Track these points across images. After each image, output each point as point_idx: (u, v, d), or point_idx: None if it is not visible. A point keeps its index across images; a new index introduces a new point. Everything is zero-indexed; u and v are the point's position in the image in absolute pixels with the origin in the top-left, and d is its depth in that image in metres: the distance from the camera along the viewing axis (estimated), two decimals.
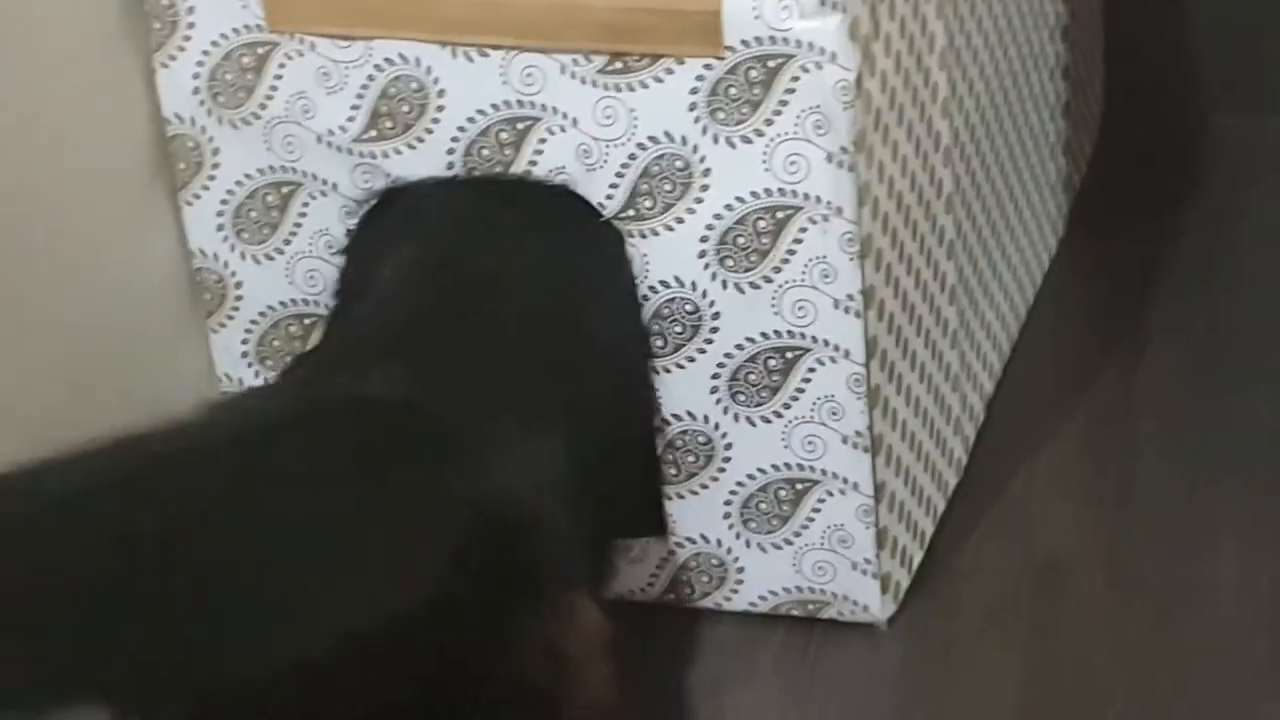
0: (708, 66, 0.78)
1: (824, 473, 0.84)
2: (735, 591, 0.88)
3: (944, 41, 0.88)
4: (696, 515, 0.87)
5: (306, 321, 0.89)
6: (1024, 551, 0.92)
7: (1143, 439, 0.99)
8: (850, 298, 0.80)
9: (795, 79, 0.77)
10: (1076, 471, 0.97)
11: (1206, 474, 0.95)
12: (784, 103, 0.78)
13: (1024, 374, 1.02)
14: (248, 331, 0.90)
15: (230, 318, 0.90)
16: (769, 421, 0.84)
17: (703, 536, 0.87)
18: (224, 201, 0.88)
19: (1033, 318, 1.07)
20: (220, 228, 0.88)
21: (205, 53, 0.85)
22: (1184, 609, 0.87)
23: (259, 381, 0.91)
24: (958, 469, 0.95)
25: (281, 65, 0.84)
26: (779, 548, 0.86)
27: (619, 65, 0.79)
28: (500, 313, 0.80)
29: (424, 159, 0.83)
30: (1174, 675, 0.83)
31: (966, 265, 0.93)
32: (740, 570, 0.87)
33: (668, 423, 0.85)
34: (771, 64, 0.77)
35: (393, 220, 0.85)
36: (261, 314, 0.90)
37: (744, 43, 0.77)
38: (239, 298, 0.90)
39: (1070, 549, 0.92)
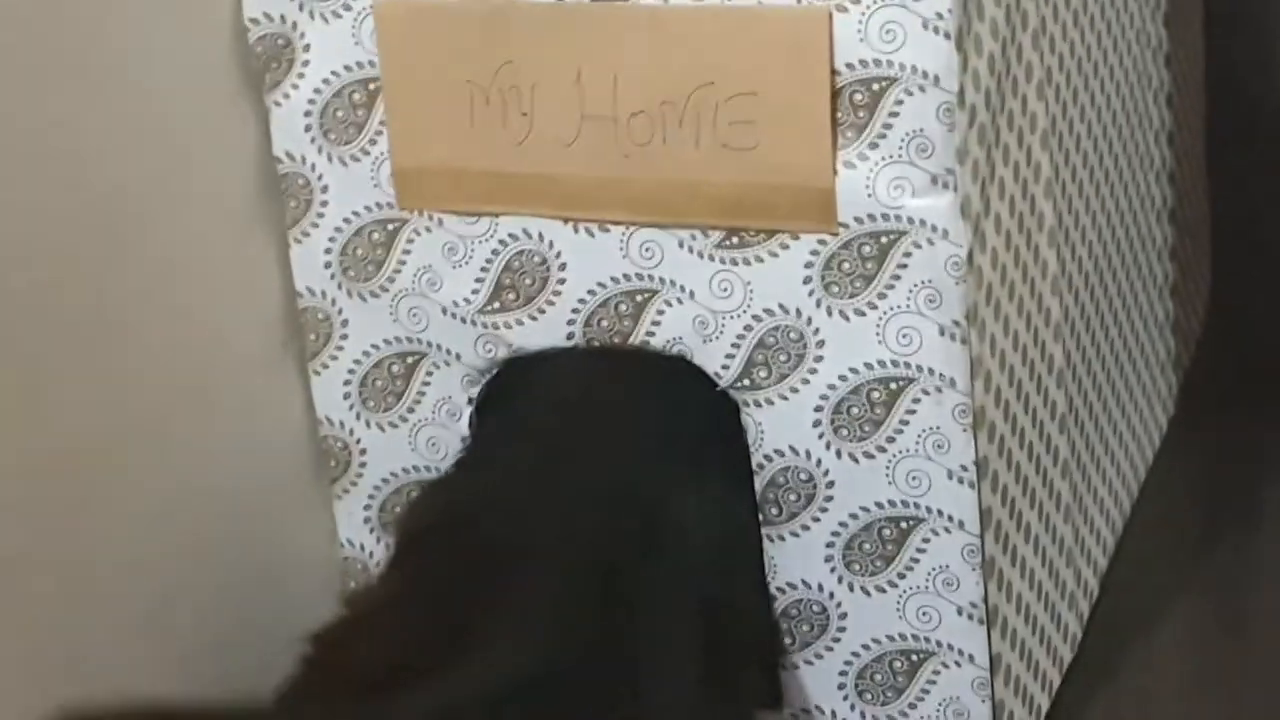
0: (822, 242, 0.80)
1: (939, 644, 0.85)
2: None
3: (1052, 221, 0.89)
4: (812, 685, 0.87)
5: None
6: None
7: (1255, 617, 0.98)
8: (964, 468, 0.81)
9: (908, 255, 0.79)
10: (1191, 649, 0.97)
11: None
12: (896, 277, 0.80)
13: (1137, 550, 1.03)
14: (370, 498, 0.92)
15: (354, 484, 0.92)
16: (883, 591, 0.84)
17: (818, 708, 0.88)
18: (351, 371, 0.90)
19: (1145, 494, 1.07)
20: (347, 396, 0.91)
21: (338, 229, 0.88)
22: None
23: (380, 547, 0.93)
24: (1073, 644, 0.95)
25: (410, 241, 0.87)
26: (893, 719, 0.87)
27: (735, 240, 0.81)
28: (620, 483, 0.82)
29: (545, 330, 0.86)
30: None
31: (1079, 439, 0.94)
32: None
33: (782, 591, 0.86)
34: (884, 240, 0.79)
35: (514, 390, 0.87)
36: (384, 480, 0.92)
37: (857, 219, 0.79)
38: (363, 464, 0.92)
39: None
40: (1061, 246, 0.91)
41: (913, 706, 0.86)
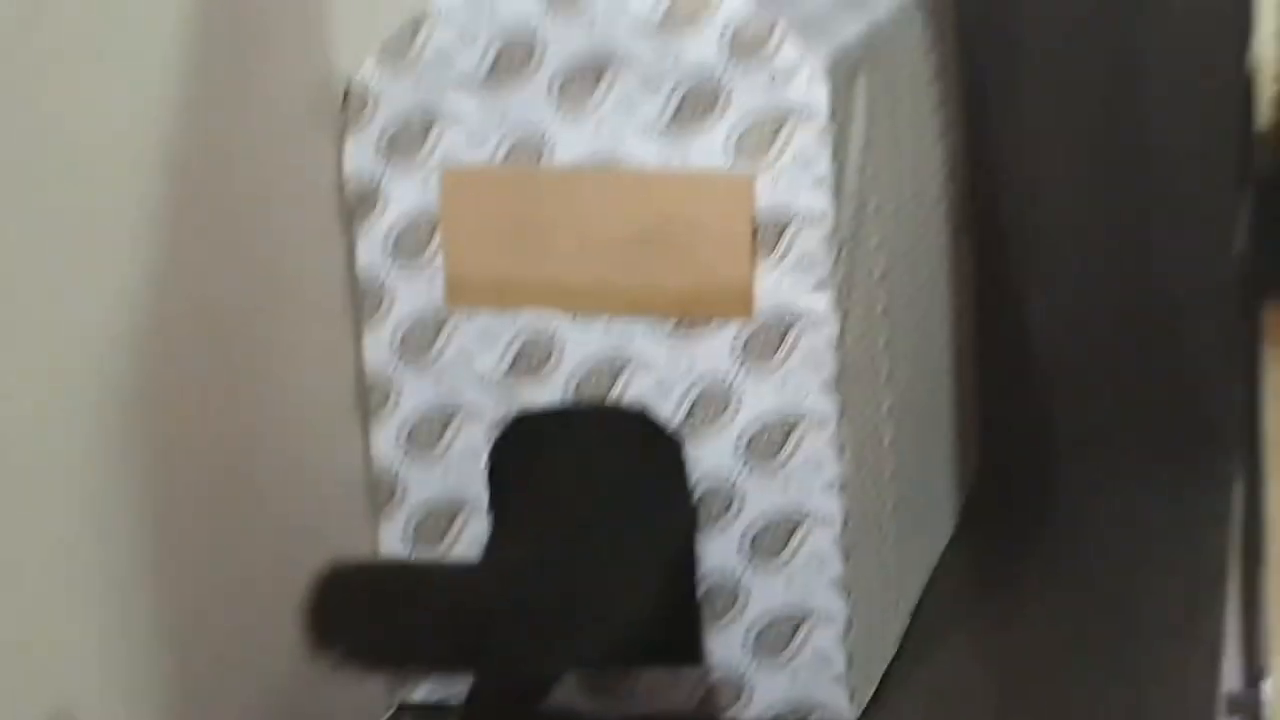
0: (743, 326, 1.20)
1: (813, 610, 1.23)
2: (749, 703, 1.26)
3: (886, 335, 1.31)
4: (724, 644, 1.25)
5: (454, 511, 1.28)
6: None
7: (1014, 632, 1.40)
8: (833, 482, 1.21)
9: (799, 335, 1.19)
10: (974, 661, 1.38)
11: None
12: (792, 349, 1.20)
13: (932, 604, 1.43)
14: (409, 519, 1.29)
15: (397, 509, 1.29)
16: (777, 572, 1.23)
17: (727, 661, 1.26)
18: (403, 424, 1.28)
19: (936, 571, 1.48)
20: (399, 443, 1.28)
21: (400, 321, 1.26)
22: None
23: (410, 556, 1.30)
24: (897, 639, 1.34)
25: (453, 329, 1.25)
26: (780, 666, 1.25)
27: (684, 326, 1.21)
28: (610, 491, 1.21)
29: (547, 391, 1.25)
30: None
31: (901, 480, 1.35)
32: (753, 686, 1.25)
33: (707, 576, 1.24)
34: (784, 325, 1.20)
35: (525, 437, 1.26)
36: (421, 503, 1.29)
37: (769, 309, 1.20)
38: (405, 493, 1.29)
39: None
40: (890, 331, 1.32)
41: (793, 657, 1.24)
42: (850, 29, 1.26)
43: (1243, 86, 1.63)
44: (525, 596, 1.13)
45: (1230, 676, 1.38)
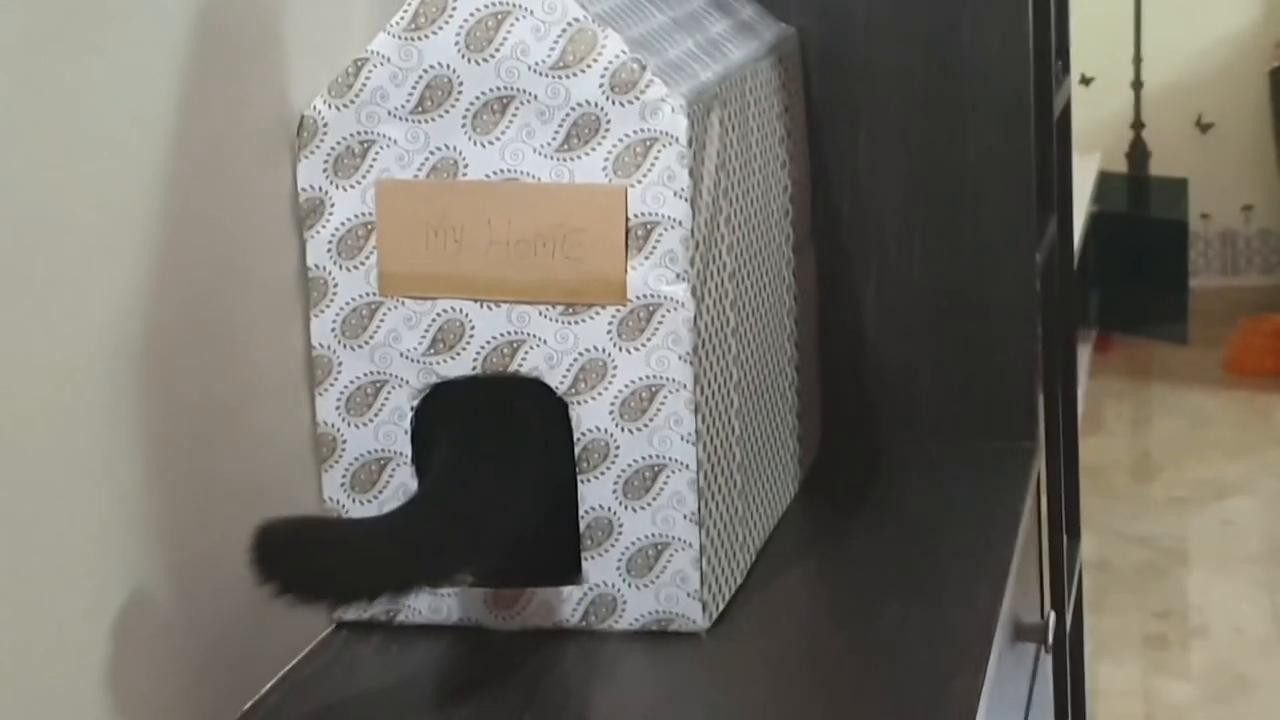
0: (618, 310, 1.50)
1: (673, 538, 1.53)
2: (622, 615, 1.55)
3: (734, 321, 1.62)
4: (600, 569, 1.55)
5: (384, 462, 1.57)
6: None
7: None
8: (689, 435, 1.51)
9: (663, 316, 1.50)
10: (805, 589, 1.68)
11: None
12: (657, 329, 1.50)
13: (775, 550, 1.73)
14: (346, 470, 1.58)
15: (336, 462, 1.58)
16: (645, 508, 1.53)
17: (603, 582, 1.55)
18: (342, 392, 1.57)
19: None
20: (338, 408, 1.57)
21: (341, 307, 1.55)
22: None
23: (352, 503, 1.58)
24: (744, 570, 1.64)
25: (384, 314, 1.55)
26: (648, 585, 1.54)
27: (570, 310, 1.51)
28: (508, 443, 1.51)
29: (461, 365, 1.54)
30: None
31: (747, 438, 1.65)
32: (625, 601, 1.55)
33: (587, 513, 1.54)
34: (651, 308, 1.50)
35: (441, 402, 1.55)
36: (357, 457, 1.58)
37: (638, 297, 1.50)
38: (344, 449, 1.58)
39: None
40: (737, 319, 1.63)
41: (658, 576, 1.54)
42: (707, 74, 1.57)
43: (1042, 122, 1.96)
44: (429, 533, 1.45)
45: (1016, 603, 1.69)
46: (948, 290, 1.95)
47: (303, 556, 1.42)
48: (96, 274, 1.33)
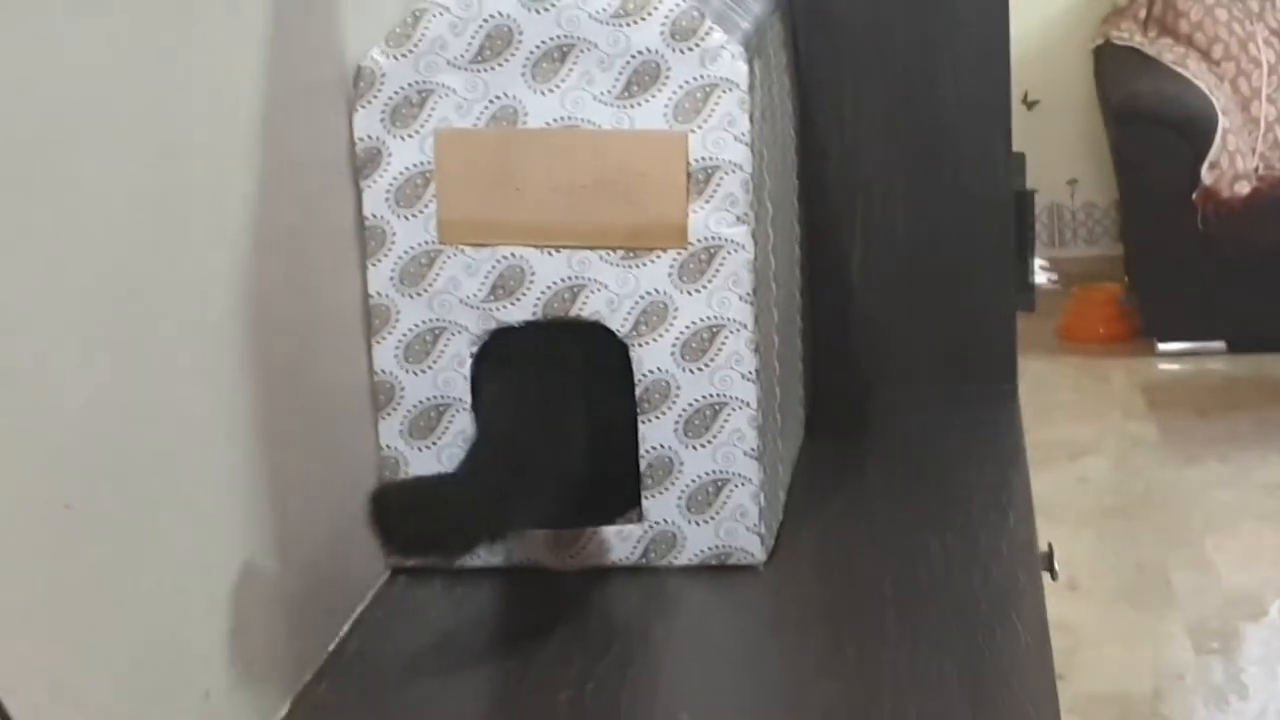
0: (679, 253, 1.54)
1: (734, 474, 1.57)
2: (681, 552, 1.59)
3: (775, 265, 1.66)
4: (661, 506, 1.58)
5: (442, 409, 1.59)
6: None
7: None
8: (750, 373, 1.56)
9: (724, 259, 1.54)
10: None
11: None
12: (717, 271, 1.54)
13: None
14: (404, 418, 1.60)
15: (394, 409, 1.60)
16: (705, 446, 1.57)
17: (664, 519, 1.59)
18: (400, 340, 1.59)
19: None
20: (396, 356, 1.59)
21: (400, 256, 1.57)
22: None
23: (414, 450, 1.60)
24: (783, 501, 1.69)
25: (444, 262, 1.57)
26: (708, 520, 1.58)
27: (630, 254, 1.55)
28: (570, 387, 1.54)
29: (521, 311, 1.57)
30: None
31: (783, 394, 1.70)
32: (685, 538, 1.59)
33: (648, 451, 1.58)
34: (712, 251, 1.54)
35: (501, 348, 1.58)
36: (415, 404, 1.60)
37: (698, 240, 1.54)
38: (402, 396, 1.60)
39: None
40: (776, 261, 1.67)
41: (718, 512, 1.58)
42: (745, 24, 1.61)
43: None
44: (505, 483, 1.48)
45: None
46: (929, 239, 2.01)
47: (413, 519, 1.45)
48: (187, 238, 1.34)
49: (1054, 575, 1.88)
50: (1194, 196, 5.06)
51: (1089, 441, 4.73)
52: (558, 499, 1.53)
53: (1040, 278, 2.44)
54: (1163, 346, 5.24)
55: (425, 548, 1.47)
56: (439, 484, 1.54)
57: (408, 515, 1.44)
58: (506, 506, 1.48)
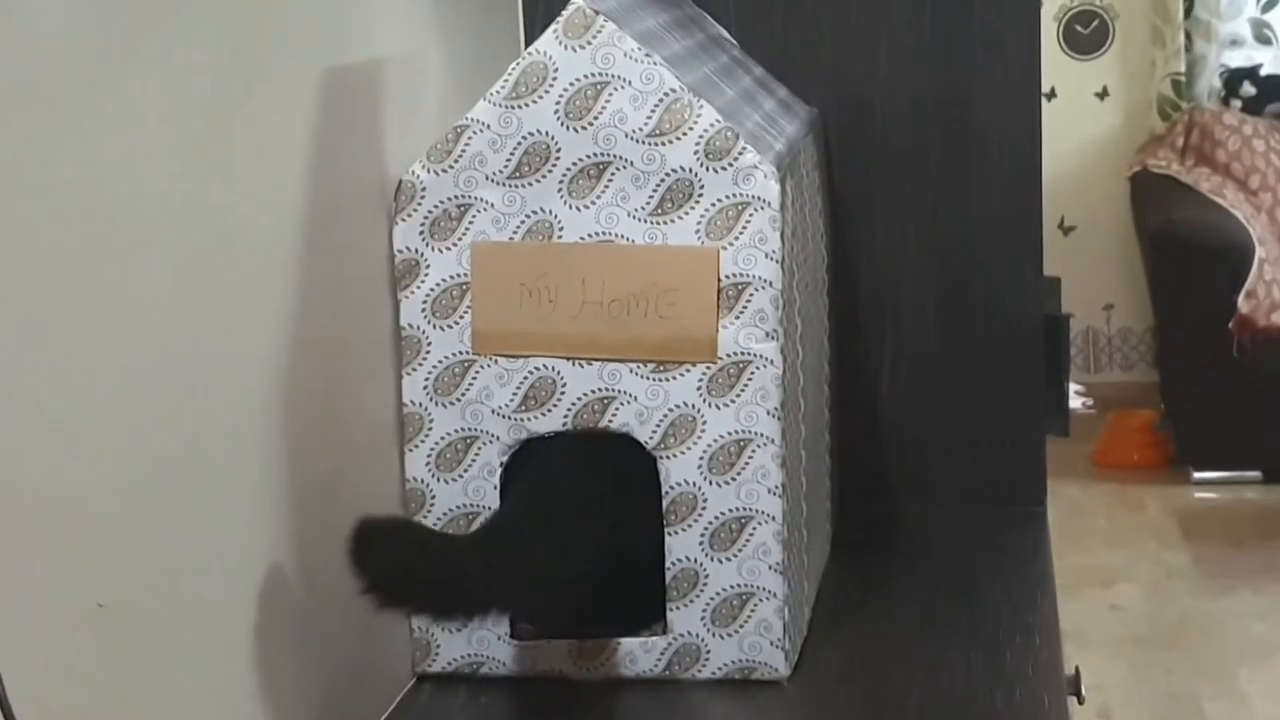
0: (708, 367, 1.57)
1: (758, 588, 1.59)
2: (705, 665, 1.61)
3: (803, 381, 1.69)
4: (685, 618, 1.60)
5: (472, 518, 1.61)
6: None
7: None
8: (776, 488, 1.57)
9: (753, 374, 1.56)
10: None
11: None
12: (746, 385, 1.56)
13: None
14: (434, 525, 1.62)
15: (425, 518, 1.62)
16: (730, 560, 1.59)
17: (688, 632, 1.60)
18: (432, 448, 1.61)
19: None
20: (428, 464, 1.61)
21: (434, 366, 1.60)
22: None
23: None
24: (809, 618, 1.70)
25: (477, 372, 1.59)
26: (731, 634, 1.60)
27: (661, 368, 1.57)
28: (593, 493, 1.56)
29: (551, 421, 1.59)
30: None
31: (808, 510, 1.71)
32: (709, 651, 1.60)
33: (674, 564, 1.59)
34: (741, 366, 1.56)
35: (530, 456, 1.60)
36: (445, 513, 1.62)
37: (728, 354, 1.56)
38: (432, 504, 1.62)
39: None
40: (804, 378, 1.69)
41: (742, 626, 1.60)
42: (778, 144, 1.65)
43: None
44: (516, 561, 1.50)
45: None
46: (958, 359, 2.03)
47: (393, 558, 1.47)
48: (227, 344, 1.38)
49: (1080, 699, 1.88)
50: (1230, 325, 5.08)
51: (1122, 569, 4.72)
52: (562, 591, 1.54)
53: (1075, 403, 2.45)
54: (1198, 475, 5.23)
55: (405, 593, 1.48)
56: (432, 533, 1.57)
57: (389, 549, 1.46)
58: (499, 575, 1.49)
